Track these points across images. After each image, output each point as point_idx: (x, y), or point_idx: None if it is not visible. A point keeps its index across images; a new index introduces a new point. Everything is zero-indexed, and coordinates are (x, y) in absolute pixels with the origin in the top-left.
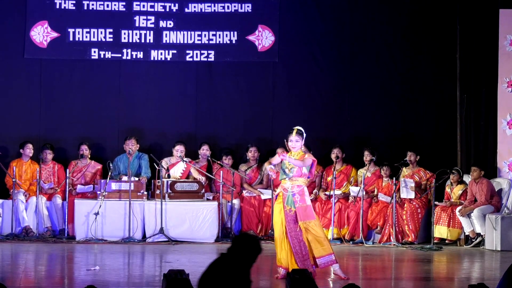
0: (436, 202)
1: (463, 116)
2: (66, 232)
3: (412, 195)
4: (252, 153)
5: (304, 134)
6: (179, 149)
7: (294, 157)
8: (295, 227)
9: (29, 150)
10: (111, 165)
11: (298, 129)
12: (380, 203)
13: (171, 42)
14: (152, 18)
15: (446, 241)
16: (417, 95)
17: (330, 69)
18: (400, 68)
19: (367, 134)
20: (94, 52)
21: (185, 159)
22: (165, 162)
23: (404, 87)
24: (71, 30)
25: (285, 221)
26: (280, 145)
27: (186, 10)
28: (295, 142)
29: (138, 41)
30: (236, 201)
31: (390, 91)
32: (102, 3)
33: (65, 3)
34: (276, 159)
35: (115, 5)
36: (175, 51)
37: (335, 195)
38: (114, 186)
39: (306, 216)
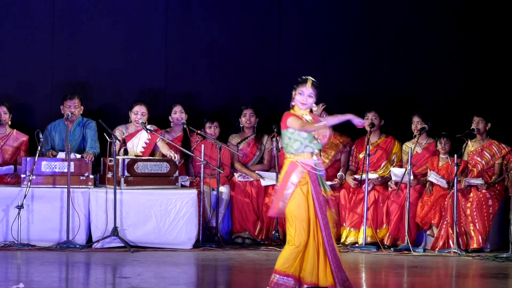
0: None
1: None
2: None
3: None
4: (247, 119)
5: (318, 90)
6: (139, 112)
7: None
8: (327, 220)
9: None
10: (41, 136)
11: (313, 81)
12: (435, 192)
13: None
14: None
15: None
16: (487, 32)
17: None
18: None
19: (414, 92)
20: None
21: (149, 126)
22: (120, 132)
23: (467, 22)
24: None
25: (318, 213)
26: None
27: None
28: (308, 97)
29: None
30: (224, 189)
31: (447, 28)
32: None
33: None
34: (333, 120)
35: None
36: None
37: (369, 180)
38: (45, 166)
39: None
